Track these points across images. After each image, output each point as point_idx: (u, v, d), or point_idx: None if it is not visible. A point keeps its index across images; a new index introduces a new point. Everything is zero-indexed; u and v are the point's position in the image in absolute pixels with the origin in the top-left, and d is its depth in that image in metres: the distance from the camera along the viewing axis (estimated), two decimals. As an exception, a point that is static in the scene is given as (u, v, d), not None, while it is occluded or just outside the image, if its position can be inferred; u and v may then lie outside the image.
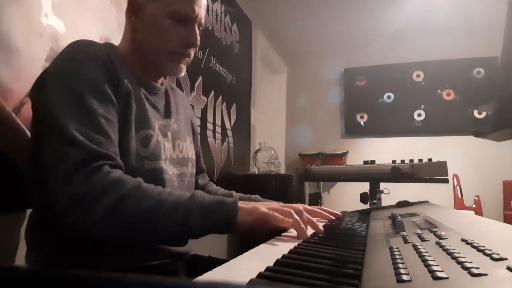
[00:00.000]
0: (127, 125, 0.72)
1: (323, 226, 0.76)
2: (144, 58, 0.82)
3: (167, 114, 0.87)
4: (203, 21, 0.83)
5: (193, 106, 1.92)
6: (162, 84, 0.90)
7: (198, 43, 0.83)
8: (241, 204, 0.65)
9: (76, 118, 0.63)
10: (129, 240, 0.65)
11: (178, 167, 0.85)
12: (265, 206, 0.67)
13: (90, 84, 0.67)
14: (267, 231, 0.65)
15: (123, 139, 0.71)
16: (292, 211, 0.66)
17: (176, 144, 0.86)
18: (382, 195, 1.70)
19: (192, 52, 0.84)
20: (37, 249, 0.73)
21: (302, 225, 0.64)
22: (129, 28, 0.82)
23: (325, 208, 0.88)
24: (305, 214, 0.69)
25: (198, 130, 1.05)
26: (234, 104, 2.51)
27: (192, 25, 0.81)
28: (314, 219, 0.75)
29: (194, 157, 0.95)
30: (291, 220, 0.64)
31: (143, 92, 0.80)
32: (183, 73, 0.85)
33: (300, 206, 0.72)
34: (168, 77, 0.98)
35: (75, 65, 0.69)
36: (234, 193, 1.02)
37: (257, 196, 1.01)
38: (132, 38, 0.82)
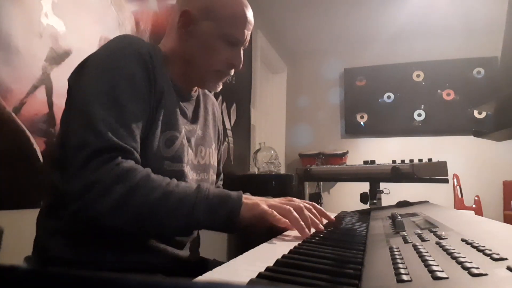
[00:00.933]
0: (154, 125, 0.73)
1: (324, 226, 0.76)
2: (186, 68, 0.83)
3: (194, 119, 0.88)
4: (247, 43, 0.86)
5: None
6: (195, 91, 0.91)
7: (241, 65, 0.86)
8: (244, 199, 0.66)
9: (105, 109, 0.65)
10: (135, 229, 0.65)
11: (199, 173, 0.85)
12: (266, 203, 0.67)
13: (127, 78, 0.69)
14: (266, 229, 0.66)
15: (148, 138, 0.72)
16: (292, 209, 0.67)
17: (198, 150, 0.86)
18: (382, 195, 1.70)
19: (233, 72, 0.87)
20: (46, 235, 0.72)
21: (301, 223, 0.65)
22: (176, 35, 0.83)
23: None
24: (306, 212, 0.69)
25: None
26: (234, 104, 2.51)
27: (239, 48, 0.84)
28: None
29: (216, 164, 0.95)
30: (287, 220, 0.65)
31: (176, 96, 0.81)
32: (219, 88, 0.89)
33: (301, 203, 0.72)
34: None
35: (117, 58, 0.70)
36: None
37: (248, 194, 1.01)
38: (177, 46, 0.83)
